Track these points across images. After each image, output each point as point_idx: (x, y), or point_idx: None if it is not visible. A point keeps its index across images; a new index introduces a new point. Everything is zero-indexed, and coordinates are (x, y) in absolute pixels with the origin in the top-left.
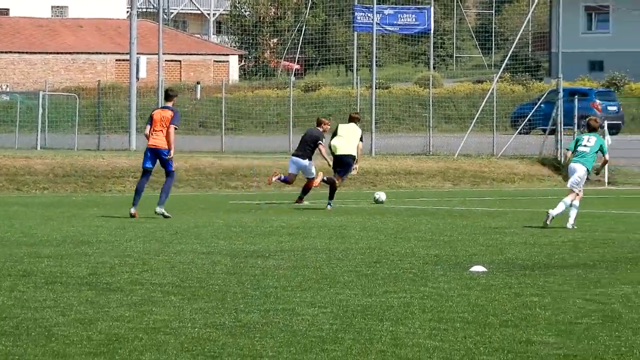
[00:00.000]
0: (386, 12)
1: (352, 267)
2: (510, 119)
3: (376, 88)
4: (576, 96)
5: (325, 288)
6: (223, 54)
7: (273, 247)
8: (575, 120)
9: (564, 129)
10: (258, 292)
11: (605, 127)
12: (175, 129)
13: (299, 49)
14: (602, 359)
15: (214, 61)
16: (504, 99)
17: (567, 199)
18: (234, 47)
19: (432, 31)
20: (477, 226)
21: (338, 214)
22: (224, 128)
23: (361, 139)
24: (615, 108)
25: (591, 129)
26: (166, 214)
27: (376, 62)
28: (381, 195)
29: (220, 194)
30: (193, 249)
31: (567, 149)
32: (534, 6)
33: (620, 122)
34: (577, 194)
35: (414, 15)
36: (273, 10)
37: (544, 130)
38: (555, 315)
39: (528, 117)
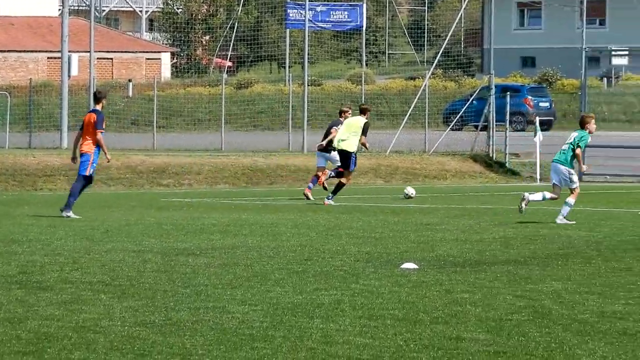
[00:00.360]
0: (318, 9)
1: (283, 264)
2: (442, 116)
3: (308, 85)
4: (508, 92)
5: (256, 286)
6: (155, 52)
7: (204, 245)
8: (507, 117)
9: (495, 125)
10: (188, 290)
11: (537, 123)
12: (102, 133)
13: (231, 46)
14: (532, 355)
15: (146, 59)
16: (436, 95)
17: (547, 195)
18: (166, 44)
19: (364, 28)
20: (409, 223)
21: (270, 211)
22: (155, 126)
23: (364, 132)
24: (547, 104)
25: (580, 125)
26: (72, 216)
27: (308, 59)
28: (411, 191)
29: (152, 192)
30: (124, 247)
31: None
32: (466, 2)
33: (552, 118)
34: (574, 192)
35: (346, 12)
36: (205, 7)
37: (476, 127)
38: (485, 312)
39: (460, 113)
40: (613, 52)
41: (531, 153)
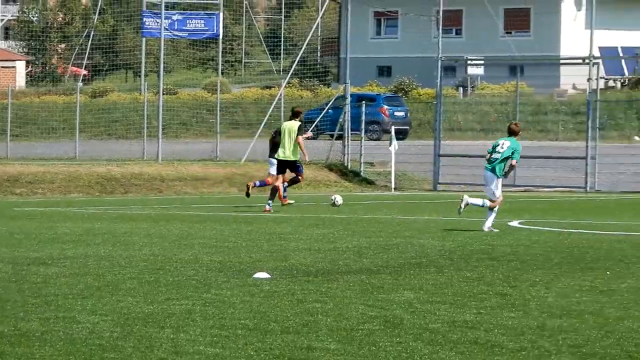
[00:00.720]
0: (175, 17)
1: (135, 274)
2: None
3: (164, 94)
4: (364, 102)
5: (107, 296)
6: (10, 60)
7: (56, 255)
8: (363, 126)
9: (351, 134)
10: (38, 300)
11: (393, 133)
12: None
13: (87, 55)
14: None
15: (1, 67)
16: (292, 104)
17: (488, 202)
18: (22, 52)
19: (221, 36)
20: (262, 232)
21: (123, 220)
22: (9, 134)
23: (299, 132)
24: (402, 113)
25: (510, 133)
26: None
27: (164, 67)
28: (338, 198)
29: (5, 201)
30: None
31: (488, 152)
32: (322, 11)
33: (407, 127)
34: (495, 201)
35: (202, 21)
36: (61, 16)
37: (332, 136)
38: (337, 322)
39: (316, 122)
40: (469, 62)
41: (387, 162)
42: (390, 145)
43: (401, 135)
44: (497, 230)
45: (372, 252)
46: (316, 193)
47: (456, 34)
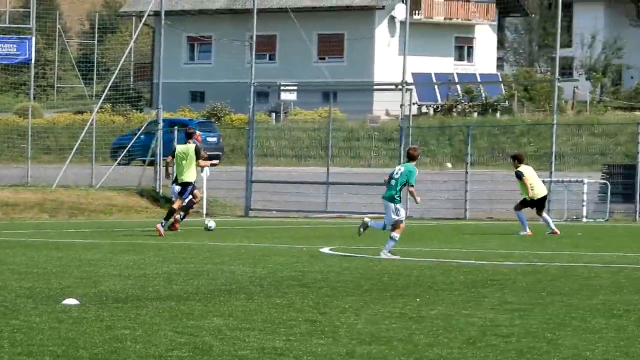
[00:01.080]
0: None
1: None
2: (109, 150)
3: None
4: (176, 127)
5: None
6: None
7: None
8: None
9: (163, 160)
10: None
11: None
12: None
13: None
14: None
15: None
16: (104, 129)
17: (394, 233)
18: None
19: (33, 61)
20: (73, 258)
21: None
22: None
23: (198, 156)
24: (215, 139)
25: (409, 158)
26: None
27: None
28: (211, 223)
29: None
30: None
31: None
32: (136, 36)
33: (220, 152)
34: (398, 228)
35: (15, 45)
36: None
37: (144, 162)
38: (145, 348)
39: (127, 147)
40: (282, 87)
41: (198, 188)
42: (202, 171)
43: (213, 160)
44: (398, 257)
45: (182, 278)
46: (127, 219)
47: (270, 59)
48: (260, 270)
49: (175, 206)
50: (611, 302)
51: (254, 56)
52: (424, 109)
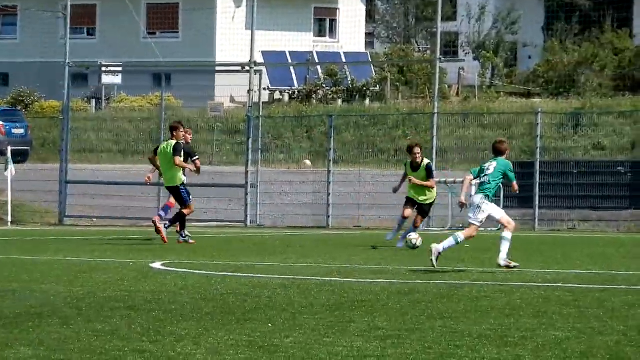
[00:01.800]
0: None
1: None
2: None
3: None
4: None
5: None
6: None
7: None
8: None
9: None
10: None
11: (9, 154)
12: None
13: None
14: None
15: None
16: None
17: (461, 234)
18: None
19: None
20: None
21: None
22: None
23: (176, 153)
24: (22, 131)
25: (495, 153)
26: None
27: None
28: (417, 239)
29: None
30: None
31: (470, 172)
32: None
33: (28, 147)
34: (475, 228)
35: None
36: None
37: None
38: None
39: None
40: (103, 68)
41: (2, 191)
42: (5, 170)
43: (20, 157)
44: (517, 264)
45: None
46: None
47: (88, 34)
48: (78, 289)
49: (185, 211)
50: (504, 328)
51: (68, 30)
52: (277, 95)
